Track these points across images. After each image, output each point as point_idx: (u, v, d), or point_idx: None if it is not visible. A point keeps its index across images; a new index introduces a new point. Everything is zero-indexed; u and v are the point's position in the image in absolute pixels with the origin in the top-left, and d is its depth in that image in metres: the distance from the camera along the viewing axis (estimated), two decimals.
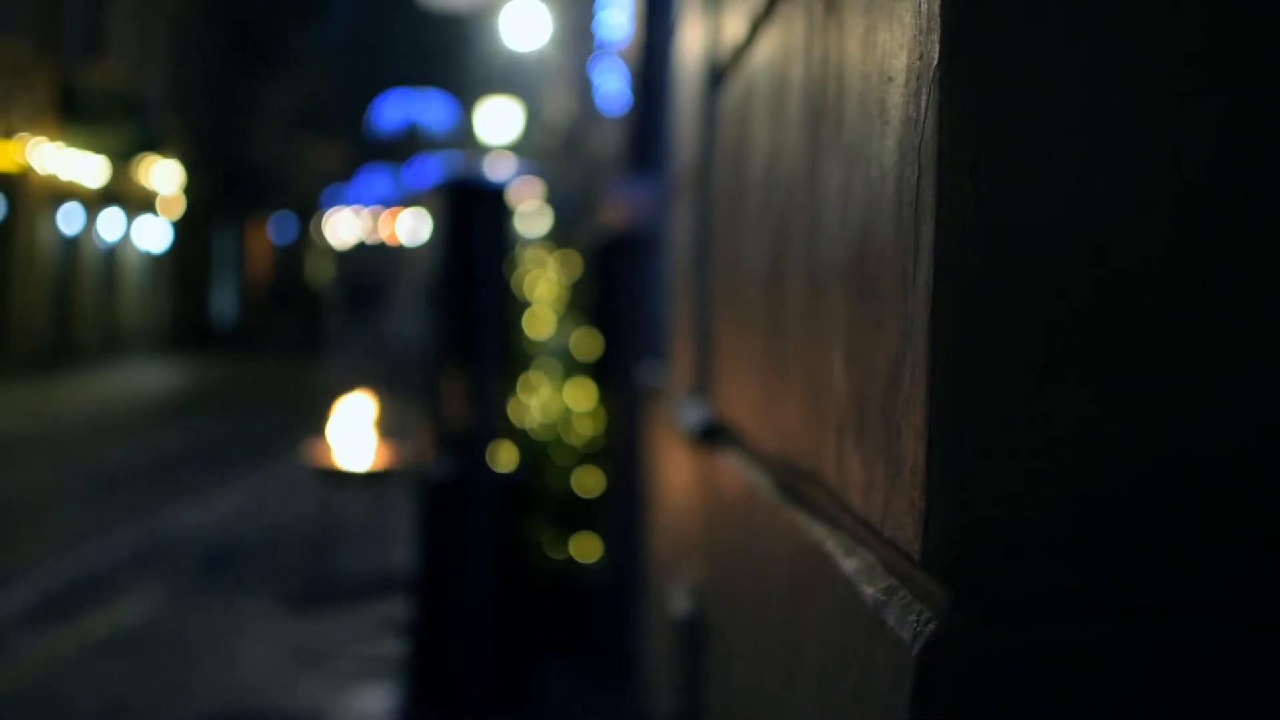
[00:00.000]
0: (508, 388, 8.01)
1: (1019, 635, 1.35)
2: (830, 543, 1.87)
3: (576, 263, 10.28)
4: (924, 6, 1.41)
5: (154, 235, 42.17)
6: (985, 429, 1.35)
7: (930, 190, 1.38)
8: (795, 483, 2.21)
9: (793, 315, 2.22)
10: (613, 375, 8.49)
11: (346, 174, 70.75)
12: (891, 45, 1.56)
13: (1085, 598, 1.35)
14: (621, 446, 8.14)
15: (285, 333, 46.84)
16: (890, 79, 1.56)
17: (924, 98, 1.41)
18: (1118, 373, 1.34)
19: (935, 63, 1.37)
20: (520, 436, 8.51)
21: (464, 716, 7.38)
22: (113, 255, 38.96)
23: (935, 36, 1.37)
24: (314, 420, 18.03)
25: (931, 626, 1.37)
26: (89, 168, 34.95)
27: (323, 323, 52.86)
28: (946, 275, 1.35)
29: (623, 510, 7.99)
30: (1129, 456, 1.34)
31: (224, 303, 49.94)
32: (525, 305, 9.82)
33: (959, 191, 1.35)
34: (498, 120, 42.21)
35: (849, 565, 1.74)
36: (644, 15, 8.40)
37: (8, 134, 29.47)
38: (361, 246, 74.70)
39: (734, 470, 2.96)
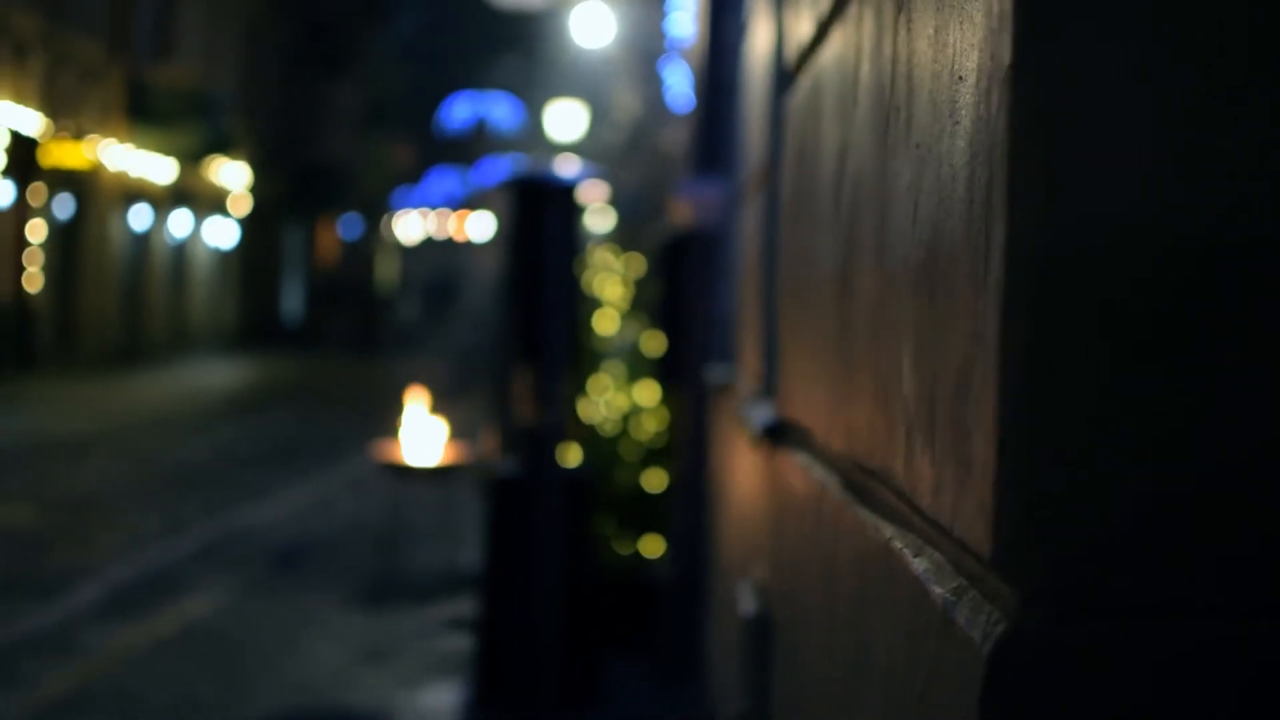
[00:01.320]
0: (576, 385, 8.03)
1: (1090, 636, 1.34)
2: (899, 542, 1.87)
3: (641, 263, 10.31)
4: (995, 6, 1.41)
5: (223, 234, 42.49)
6: (1056, 430, 1.34)
7: (1001, 190, 1.38)
8: (863, 482, 2.21)
9: (861, 315, 2.22)
10: (678, 374, 8.49)
11: (415, 174, 71.15)
12: (962, 44, 1.56)
13: (1158, 599, 1.34)
14: (688, 445, 8.15)
15: (345, 331, 46.95)
16: (961, 78, 1.56)
17: (995, 97, 1.40)
18: (1192, 374, 1.34)
19: (1007, 62, 1.37)
20: (588, 434, 8.54)
21: (531, 714, 7.40)
22: (182, 255, 39.28)
23: (1007, 36, 1.37)
24: (380, 418, 18.11)
25: (1001, 627, 1.37)
26: (159, 167, 35.24)
27: (383, 320, 53.03)
28: (1018, 276, 1.35)
29: (689, 508, 8.00)
30: (1204, 456, 1.33)
31: (293, 302, 50.26)
32: (594, 304, 9.85)
33: (1031, 192, 1.35)
34: (562, 122, 42.30)
35: (918, 565, 1.73)
36: (708, 15, 8.40)
37: (78, 134, 29.77)
38: (429, 243, 75.21)
39: (801, 469, 2.96)
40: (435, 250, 75.93)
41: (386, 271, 65.38)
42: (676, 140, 15.66)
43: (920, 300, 1.76)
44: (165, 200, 36.82)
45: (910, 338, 1.82)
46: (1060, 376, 1.34)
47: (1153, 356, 1.34)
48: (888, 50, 2.04)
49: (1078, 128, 1.34)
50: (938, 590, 1.61)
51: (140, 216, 35.50)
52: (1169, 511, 1.34)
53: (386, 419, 15.29)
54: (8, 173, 26.79)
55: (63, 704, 7.59)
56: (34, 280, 28.44)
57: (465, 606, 9.59)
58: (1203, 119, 1.33)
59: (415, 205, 72.89)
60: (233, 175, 41.57)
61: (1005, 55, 1.37)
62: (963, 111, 1.55)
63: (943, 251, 1.64)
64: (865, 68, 2.24)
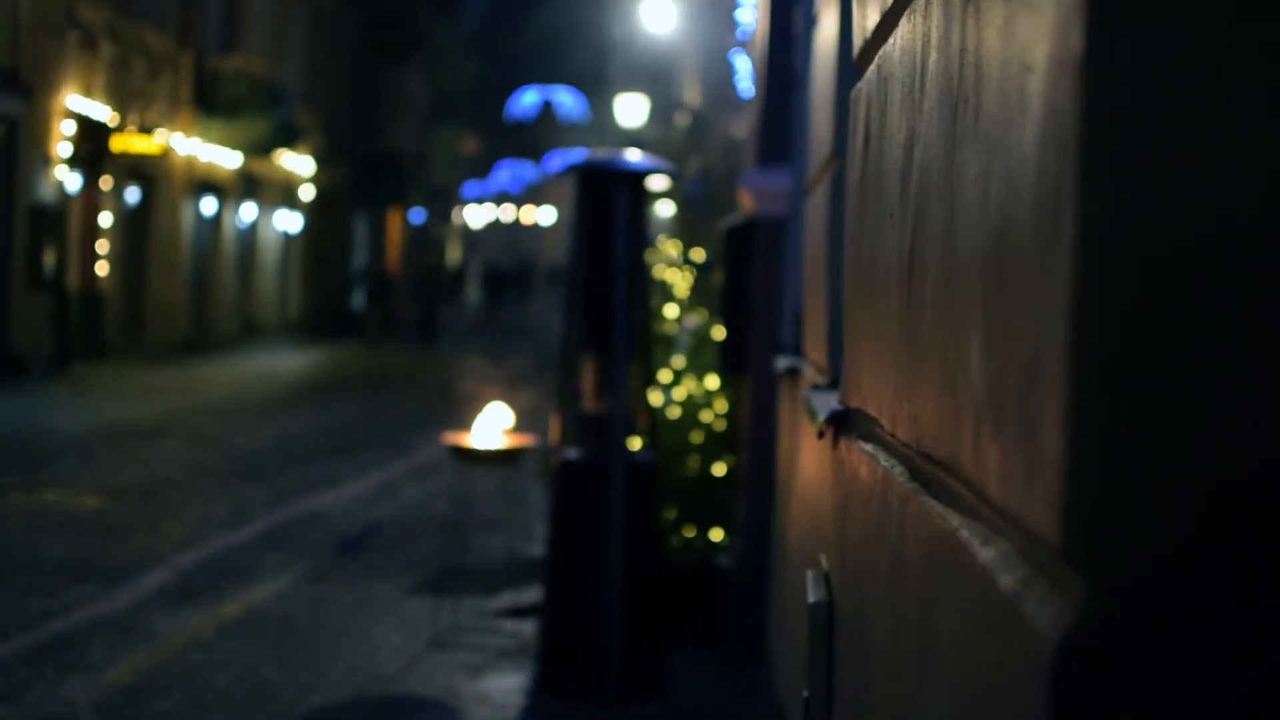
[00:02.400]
0: (643, 372, 8.04)
1: (1160, 628, 1.34)
2: (965, 531, 1.87)
3: (705, 252, 10.32)
4: None
5: (290, 224, 42.73)
6: (1126, 419, 1.34)
7: (1071, 180, 1.37)
8: (930, 471, 2.21)
9: (928, 304, 2.21)
10: (743, 362, 8.49)
11: (482, 165, 71.61)
12: (1032, 34, 1.55)
13: (1231, 592, 1.34)
14: (753, 433, 8.15)
15: (404, 320, 46.86)
16: (1030, 68, 1.56)
17: (1065, 87, 1.40)
18: (1265, 364, 1.33)
19: (1077, 52, 1.36)
20: (654, 420, 8.56)
21: (595, 702, 7.42)
22: (249, 243, 39.52)
23: (1077, 26, 1.36)
24: (445, 407, 18.17)
25: (1070, 618, 1.36)
26: (227, 159, 35.47)
27: (449, 309, 53.07)
28: (1087, 265, 1.35)
29: (753, 496, 8.00)
30: (1278, 449, 1.33)
31: (360, 293, 50.44)
32: (663, 291, 9.88)
33: (1101, 182, 1.34)
34: (626, 112, 42.34)
35: (985, 554, 1.73)
36: (769, 5, 8.39)
37: (147, 125, 30.00)
38: (496, 225, 75.71)
39: (867, 458, 2.96)
40: (502, 235, 76.36)
41: (453, 261, 65.56)
42: (740, 130, 15.65)
43: (989, 289, 1.76)
44: (233, 189, 37.06)
45: (978, 327, 1.82)
46: (1129, 365, 1.34)
47: (1228, 347, 1.33)
48: (956, 40, 2.04)
49: (1148, 118, 1.34)
50: (1005, 580, 1.61)
51: (208, 205, 35.75)
52: (1243, 503, 1.33)
53: (451, 408, 15.36)
54: (77, 162, 27.03)
55: (131, 688, 7.67)
56: (103, 268, 28.71)
57: (529, 595, 9.62)
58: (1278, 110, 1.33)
59: (482, 196, 73.37)
60: (301, 166, 41.77)
61: (1076, 45, 1.37)
62: (1032, 102, 1.54)
63: (1012, 241, 1.64)
64: (933, 57, 2.24)
